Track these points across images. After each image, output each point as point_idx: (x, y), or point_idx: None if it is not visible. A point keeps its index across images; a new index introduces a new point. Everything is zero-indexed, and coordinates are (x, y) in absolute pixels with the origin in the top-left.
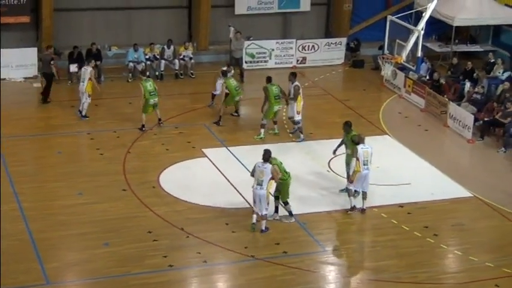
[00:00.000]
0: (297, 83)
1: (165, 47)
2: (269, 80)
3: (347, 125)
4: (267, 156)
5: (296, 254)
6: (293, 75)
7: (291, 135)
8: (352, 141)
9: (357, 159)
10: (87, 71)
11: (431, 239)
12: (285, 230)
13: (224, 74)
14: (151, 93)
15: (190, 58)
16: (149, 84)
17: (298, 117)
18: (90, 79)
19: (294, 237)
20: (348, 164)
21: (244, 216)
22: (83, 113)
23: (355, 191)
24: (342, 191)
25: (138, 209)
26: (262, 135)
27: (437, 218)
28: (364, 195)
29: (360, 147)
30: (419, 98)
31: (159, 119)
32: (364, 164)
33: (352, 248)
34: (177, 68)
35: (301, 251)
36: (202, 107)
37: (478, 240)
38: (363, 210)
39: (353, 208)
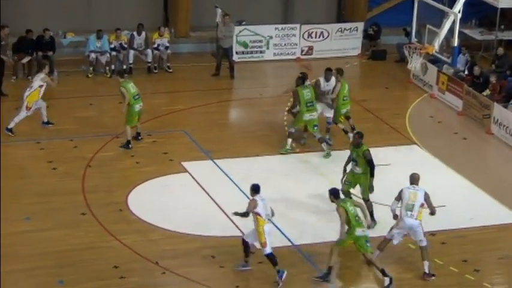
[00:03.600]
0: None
1: (135, 33)
2: (302, 80)
3: (358, 136)
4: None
5: None
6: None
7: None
8: (364, 158)
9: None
10: (39, 77)
11: (471, 275)
12: (286, 264)
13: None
14: (136, 97)
15: (167, 47)
16: (132, 86)
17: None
18: (41, 86)
19: (297, 274)
20: (356, 185)
21: (235, 247)
22: (10, 126)
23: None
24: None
25: (101, 237)
26: (288, 147)
27: (479, 249)
28: (423, 252)
29: (406, 187)
30: (455, 98)
31: (138, 133)
32: (407, 209)
33: (371, 287)
34: (149, 59)
35: None
36: (182, 109)
37: None
38: (425, 274)
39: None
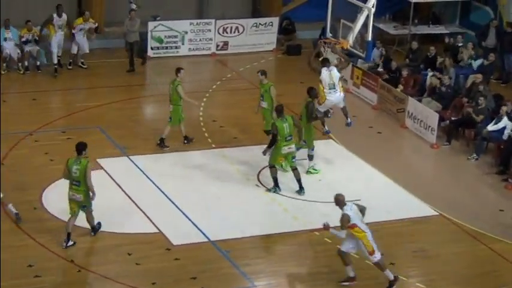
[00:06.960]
0: None
1: None
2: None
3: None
4: None
5: None
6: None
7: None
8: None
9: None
10: None
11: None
12: (204, 260)
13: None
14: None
15: None
16: None
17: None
18: None
19: (214, 270)
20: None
21: (151, 244)
22: None
23: None
24: (269, 190)
25: (15, 236)
26: (317, 170)
27: (394, 242)
28: None
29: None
30: (370, 92)
31: (186, 137)
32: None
33: (288, 282)
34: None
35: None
36: (97, 105)
37: (444, 270)
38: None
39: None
